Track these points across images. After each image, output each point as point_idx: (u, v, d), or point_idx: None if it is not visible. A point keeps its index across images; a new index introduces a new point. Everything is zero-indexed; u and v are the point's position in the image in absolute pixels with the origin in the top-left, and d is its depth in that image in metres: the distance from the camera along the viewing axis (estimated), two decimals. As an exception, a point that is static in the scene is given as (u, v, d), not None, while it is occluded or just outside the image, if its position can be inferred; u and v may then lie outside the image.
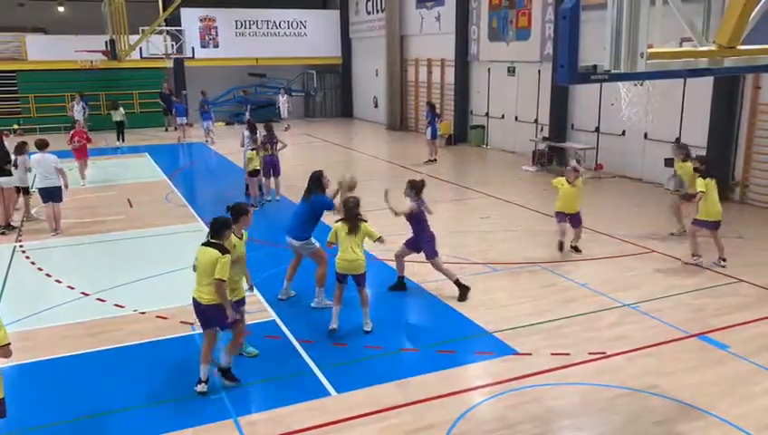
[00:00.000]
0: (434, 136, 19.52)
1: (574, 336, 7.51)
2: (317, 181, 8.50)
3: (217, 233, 6.21)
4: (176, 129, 25.51)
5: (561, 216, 10.40)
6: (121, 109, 24.07)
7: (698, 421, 5.78)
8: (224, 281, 6.04)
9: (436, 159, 19.45)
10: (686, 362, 6.88)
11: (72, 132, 16.99)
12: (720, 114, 13.86)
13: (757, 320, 7.90)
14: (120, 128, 23.61)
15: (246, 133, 14.90)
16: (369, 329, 7.67)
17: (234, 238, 6.51)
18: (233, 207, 6.62)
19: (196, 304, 6.38)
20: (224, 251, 6.10)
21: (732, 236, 11.31)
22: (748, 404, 6.04)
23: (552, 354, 7.05)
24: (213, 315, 6.29)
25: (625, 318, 7.98)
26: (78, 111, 24.55)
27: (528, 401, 6.16)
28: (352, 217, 7.57)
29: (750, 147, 13.65)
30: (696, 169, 10.22)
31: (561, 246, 10.44)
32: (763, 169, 13.51)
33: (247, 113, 24.59)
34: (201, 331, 6.68)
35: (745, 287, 8.98)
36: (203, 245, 6.26)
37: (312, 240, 8.56)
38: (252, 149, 13.92)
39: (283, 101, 27.65)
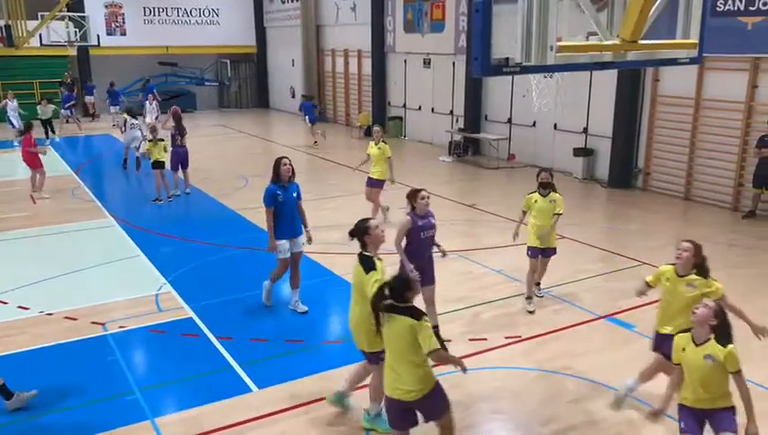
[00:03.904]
0: (312, 121, 21.05)
1: (491, 322, 7.73)
2: (273, 166, 7.74)
3: (402, 296, 4.55)
4: (67, 121, 23.98)
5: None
6: (50, 105, 21.65)
7: (609, 398, 6.06)
8: (438, 350, 4.50)
9: (317, 142, 20.86)
10: (596, 343, 7.22)
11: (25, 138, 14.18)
12: (624, 105, 14.55)
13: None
14: (48, 125, 21.55)
15: (128, 118, 16.62)
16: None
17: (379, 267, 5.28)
18: (354, 230, 5.48)
19: (399, 404, 4.63)
20: (420, 314, 4.52)
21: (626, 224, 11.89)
22: (653, 380, 6.38)
23: (470, 340, 7.22)
24: (434, 405, 4.69)
25: (538, 302, 8.26)
26: (12, 108, 21.37)
27: (448, 387, 6.20)
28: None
29: (651, 136, 14.41)
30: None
31: None
32: (662, 158, 14.30)
33: (148, 103, 23.49)
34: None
35: (648, 270, 9.47)
36: (391, 311, 4.57)
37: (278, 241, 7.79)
38: (149, 141, 13.46)
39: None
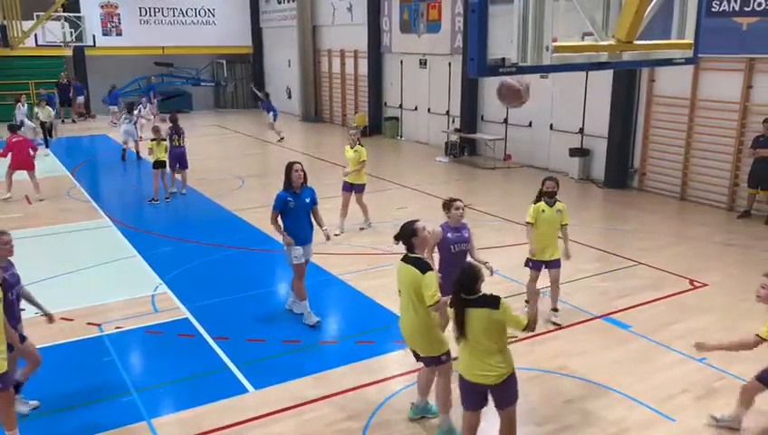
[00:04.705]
0: (274, 118, 21.83)
1: (488, 322, 7.71)
2: (285, 171, 7.48)
3: (473, 288, 4.70)
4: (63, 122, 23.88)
5: None
6: (48, 107, 20.27)
7: (605, 398, 6.09)
8: (529, 324, 4.74)
9: (283, 137, 21.58)
10: (593, 343, 7.23)
11: (21, 140, 13.89)
12: (620, 106, 14.57)
13: (655, 300, 8.40)
14: (45, 130, 20.05)
15: (125, 114, 18.24)
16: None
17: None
18: (401, 233, 5.40)
19: (476, 387, 4.79)
20: (496, 301, 4.67)
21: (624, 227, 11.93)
22: (648, 380, 6.42)
23: (468, 341, 7.21)
24: (509, 391, 4.83)
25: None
26: (22, 112, 20.35)
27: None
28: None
29: (647, 136, 14.43)
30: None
31: None
32: (658, 158, 14.33)
33: (146, 104, 23.40)
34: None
35: (643, 270, 9.51)
36: (466, 306, 4.68)
37: (286, 246, 7.56)
38: (152, 140, 13.59)
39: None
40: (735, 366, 6.56)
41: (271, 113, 21.72)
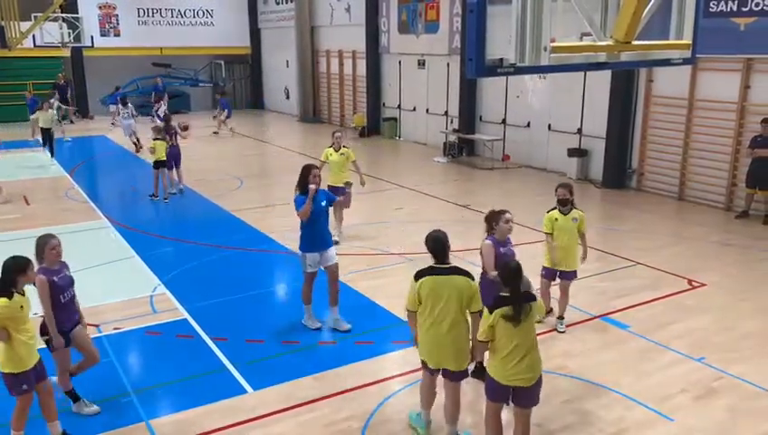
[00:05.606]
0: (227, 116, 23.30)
1: (487, 322, 7.71)
2: (299, 176, 7.30)
3: (516, 282, 4.77)
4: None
5: None
6: (51, 111, 18.73)
7: (603, 398, 6.10)
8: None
9: (217, 133, 23.09)
10: (592, 343, 7.24)
11: None
12: (618, 106, 14.58)
13: (653, 300, 8.41)
14: (46, 138, 18.21)
15: (120, 107, 19.84)
16: None
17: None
18: (440, 242, 5.21)
19: (510, 389, 4.88)
20: (530, 296, 4.84)
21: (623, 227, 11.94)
22: (646, 379, 6.42)
23: (466, 341, 7.22)
24: (535, 392, 4.96)
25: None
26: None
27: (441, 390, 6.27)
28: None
29: (645, 136, 14.45)
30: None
31: None
32: (655, 158, 14.34)
33: (161, 106, 23.28)
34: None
35: (642, 270, 9.52)
36: (509, 313, 4.71)
37: (300, 253, 7.48)
38: (155, 139, 13.67)
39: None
40: (734, 366, 6.58)
41: (226, 110, 23.30)
